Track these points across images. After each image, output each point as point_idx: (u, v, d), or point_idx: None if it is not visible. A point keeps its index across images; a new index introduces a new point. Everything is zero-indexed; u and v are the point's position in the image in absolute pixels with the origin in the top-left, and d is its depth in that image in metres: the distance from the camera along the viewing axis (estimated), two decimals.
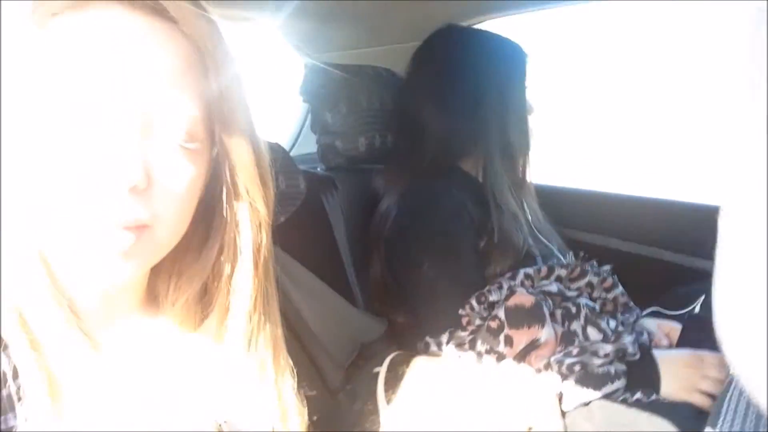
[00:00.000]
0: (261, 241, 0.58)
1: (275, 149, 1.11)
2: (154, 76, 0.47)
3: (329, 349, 1.02)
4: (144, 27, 0.48)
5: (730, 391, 0.40)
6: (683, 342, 1.14)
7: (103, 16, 0.47)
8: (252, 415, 0.62)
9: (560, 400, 0.96)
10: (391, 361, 0.98)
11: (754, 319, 0.25)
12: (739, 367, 0.27)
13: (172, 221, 0.51)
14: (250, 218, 0.57)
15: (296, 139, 1.77)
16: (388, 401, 0.92)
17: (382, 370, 0.96)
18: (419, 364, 0.95)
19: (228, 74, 0.52)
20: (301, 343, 0.99)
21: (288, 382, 0.65)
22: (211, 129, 0.53)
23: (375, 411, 0.92)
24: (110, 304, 0.57)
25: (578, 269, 1.22)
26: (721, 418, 0.41)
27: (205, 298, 0.60)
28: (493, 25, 1.58)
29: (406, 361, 0.96)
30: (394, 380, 0.94)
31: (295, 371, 0.66)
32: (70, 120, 0.46)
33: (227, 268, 0.58)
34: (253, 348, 0.60)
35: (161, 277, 0.61)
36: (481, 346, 1.04)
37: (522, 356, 1.02)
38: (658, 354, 1.05)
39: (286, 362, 0.65)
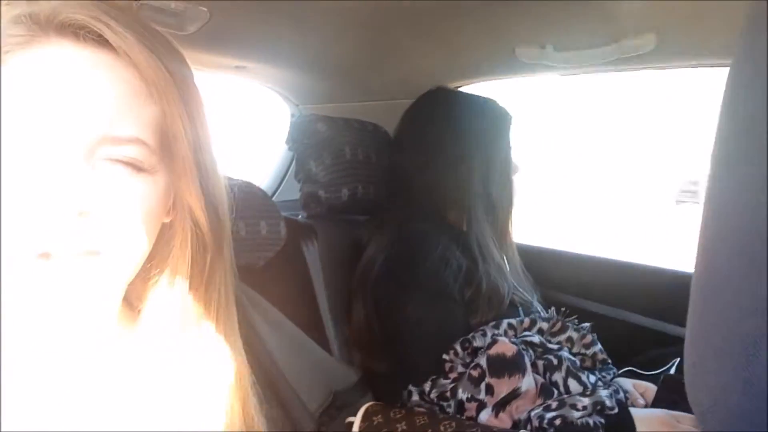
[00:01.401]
0: (203, 264, 0.58)
1: (258, 194, 1.13)
2: (95, 104, 0.49)
3: (302, 395, 1.01)
4: (87, 58, 0.49)
5: None
6: (658, 402, 1.14)
7: (50, 52, 0.49)
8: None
9: None
10: (366, 410, 0.96)
11: (721, 385, 0.26)
12: (703, 421, 0.28)
13: (119, 251, 0.51)
14: (191, 241, 0.57)
15: (279, 185, 1.78)
16: None
17: (357, 420, 0.95)
18: None
19: (174, 101, 0.53)
20: (274, 388, 0.98)
21: (249, 405, 0.66)
22: (162, 157, 0.53)
23: None
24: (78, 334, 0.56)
25: (559, 324, 1.24)
26: None
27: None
28: (480, 87, 1.63)
29: (380, 411, 0.95)
30: (369, 430, 0.93)
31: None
32: (11, 151, 0.47)
33: (166, 287, 0.58)
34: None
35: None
36: (462, 394, 1.04)
37: (502, 405, 1.02)
38: (634, 412, 1.06)
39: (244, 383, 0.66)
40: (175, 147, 0.53)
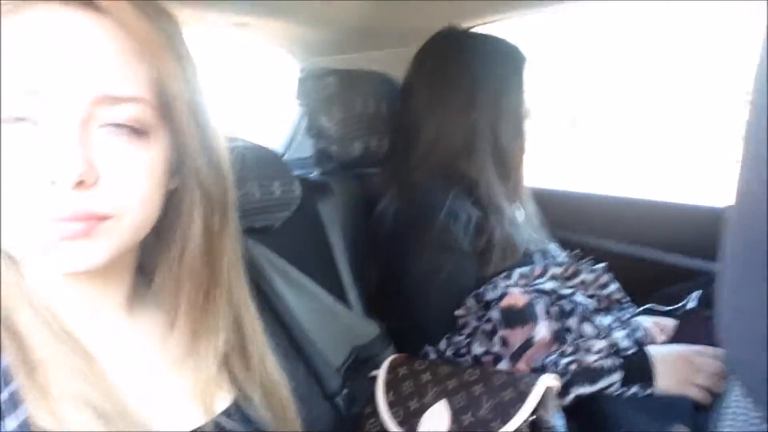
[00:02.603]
0: (211, 224, 0.59)
1: (269, 155, 1.13)
2: (91, 63, 0.49)
3: (325, 351, 1.03)
4: (78, 21, 0.50)
5: (731, 392, 0.41)
6: (679, 338, 1.15)
7: (39, 16, 0.49)
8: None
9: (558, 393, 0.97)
10: (390, 363, 0.98)
11: (756, 321, 0.25)
12: (740, 369, 0.27)
13: (135, 211, 0.52)
14: (201, 201, 0.58)
15: (290, 143, 1.77)
16: (389, 404, 0.92)
17: (381, 373, 0.97)
18: None
19: (169, 61, 0.53)
20: (296, 346, 1.00)
21: (270, 363, 0.68)
22: (161, 118, 0.54)
23: (375, 414, 0.93)
24: (93, 305, 0.58)
25: (573, 267, 1.23)
26: (724, 419, 0.41)
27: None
28: (493, 27, 1.58)
29: (405, 364, 0.97)
30: (393, 383, 0.95)
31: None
32: (8, 119, 0.48)
33: (177, 253, 0.59)
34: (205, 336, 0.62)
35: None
36: (477, 349, 1.05)
37: (518, 356, 1.03)
38: (652, 349, 1.06)
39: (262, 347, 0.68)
40: (173, 107, 0.54)
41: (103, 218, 0.50)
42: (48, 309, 0.53)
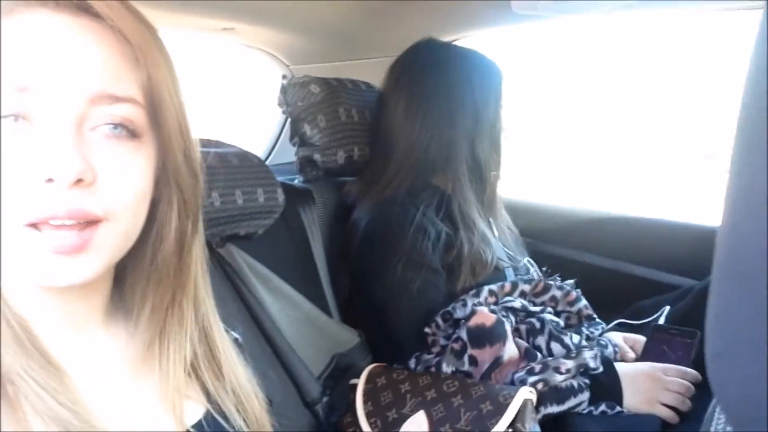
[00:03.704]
0: (185, 229, 0.59)
1: (253, 161, 1.13)
2: (89, 62, 0.50)
3: (306, 360, 1.04)
4: (70, 25, 0.50)
5: (714, 415, 0.42)
6: (647, 353, 1.18)
7: (34, 18, 0.49)
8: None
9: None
10: (369, 372, 0.99)
11: (750, 376, 0.25)
12: (722, 392, 0.28)
13: (128, 214, 0.52)
14: (178, 207, 0.58)
15: (272, 149, 1.77)
16: (367, 414, 0.93)
17: (361, 382, 0.98)
18: None
19: (159, 66, 0.54)
20: (277, 353, 1.00)
21: (240, 372, 0.67)
22: (150, 122, 0.54)
23: (354, 423, 0.94)
24: (70, 316, 0.57)
25: (542, 284, 1.24)
26: None
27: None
28: (472, 41, 1.61)
29: (384, 373, 0.98)
30: (372, 392, 0.96)
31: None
32: (3, 125, 0.48)
33: (148, 258, 0.59)
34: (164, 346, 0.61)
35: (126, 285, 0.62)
36: (447, 368, 1.06)
37: (487, 375, 1.05)
38: (620, 367, 1.09)
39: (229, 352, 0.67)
40: (162, 112, 0.54)
41: (97, 221, 0.50)
42: (21, 321, 0.52)
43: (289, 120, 1.43)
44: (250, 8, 1.36)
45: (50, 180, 0.47)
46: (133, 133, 0.52)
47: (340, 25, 1.51)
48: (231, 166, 1.06)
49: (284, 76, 1.59)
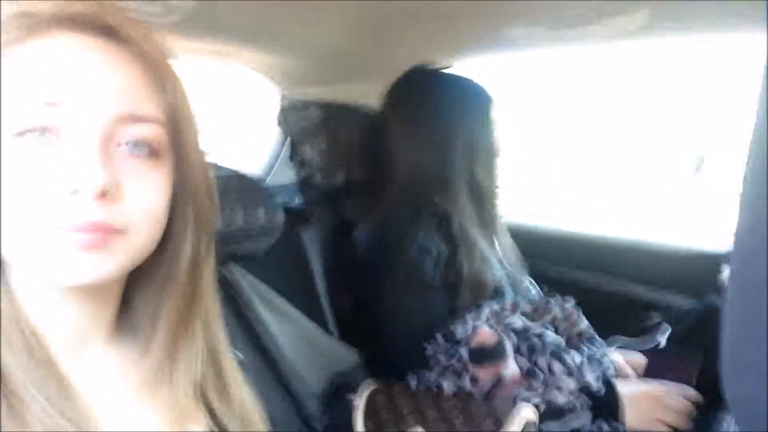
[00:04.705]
0: (199, 249, 0.60)
1: (254, 182, 1.14)
2: (111, 89, 0.51)
3: (304, 377, 1.03)
4: (98, 47, 0.52)
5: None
6: (650, 375, 1.18)
7: (59, 40, 0.51)
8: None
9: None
10: (369, 391, 0.99)
11: (755, 359, 0.26)
12: (737, 406, 0.28)
13: (147, 230, 0.53)
14: (194, 227, 0.59)
15: (270, 170, 1.78)
16: (366, 431, 0.92)
17: (361, 400, 0.97)
18: None
19: (179, 89, 0.56)
20: (276, 370, 1.00)
21: (247, 395, 0.67)
22: (171, 143, 0.56)
23: None
24: (79, 328, 0.57)
25: (543, 304, 1.25)
26: None
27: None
28: (462, 66, 1.63)
29: (384, 390, 0.98)
30: (372, 411, 0.95)
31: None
32: (30, 130, 0.49)
33: (162, 278, 0.60)
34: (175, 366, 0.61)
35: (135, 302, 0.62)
36: (448, 387, 1.05)
37: (489, 393, 1.04)
38: (621, 386, 1.09)
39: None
40: (183, 132, 0.56)
41: (118, 233, 0.51)
42: (34, 330, 0.53)
43: (288, 140, 1.44)
44: (247, 31, 1.38)
45: (76, 191, 0.48)
46: (154, 153, 0.54)
47: (336, 49, 1.53)
48: (231, 187, 1.07)
49: (282, 98, 1.60)
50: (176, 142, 0.56)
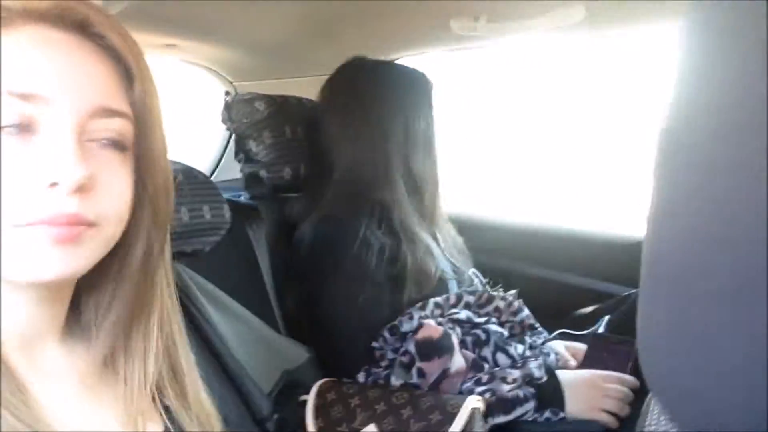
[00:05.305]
0: (153, 244, 0.60)
1: (199, 178, 1.12)
2: (86, 83, 0.52)
3: (254, 376, 1.03)
4: (72, 41, 0.53)
5: (651, 411, 0.44)
6: (588, 361, 1.22)
7: (34, 33, 0.51)
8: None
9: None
10: (319, 388, 1.00)
11: (669, 339, 0.26)
12: (658, 387, 0.29)
13: (114, 222, 0.54)
14: (149, 223, 0.59)
15: (217, 165, 1.76)
16: (318, 430, 0.93)
17: (310, 398, 0.98)
18: None
19: (148, 85, 0.56)
20: (226, 370, 0.99)
21: (203, 394, 0.67)
22: (136, 136, 0.56)
23: None
24: (33, 330, 0.56)
25: (485, 295, 1.28)
26: None
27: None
28: (412, 60, 1.64)
29: (333, 388, 0.99)
30: (322, 408, 0.96)
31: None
32: (6, 133, 0.49)
33: (113, 274, 0.59)
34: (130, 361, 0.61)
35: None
36: (395, 381, 1.08)
37: (436, 387, 1.07)
38: (562, 375, 1.13)
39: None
40: (149, 127, 0.56)
41: (90, 226, 0.51)
42: None
43: (233, 136, 1.42)
44: (193, 25, 1.35)
45: (54, 184, 0.48)
46: (122, 146, 0.55)
47: (283, 43, 1.52)
48: (177, 182, 1.05)
49: (227, 93, 1.58)
50: (143, 136, 0.56)
